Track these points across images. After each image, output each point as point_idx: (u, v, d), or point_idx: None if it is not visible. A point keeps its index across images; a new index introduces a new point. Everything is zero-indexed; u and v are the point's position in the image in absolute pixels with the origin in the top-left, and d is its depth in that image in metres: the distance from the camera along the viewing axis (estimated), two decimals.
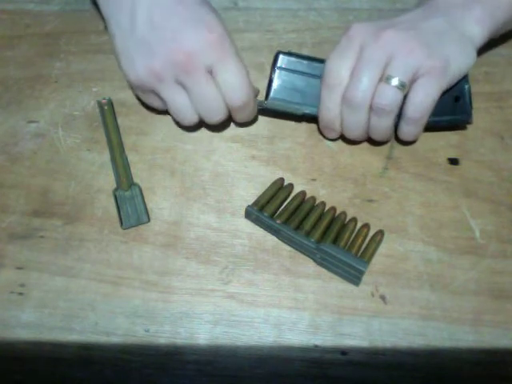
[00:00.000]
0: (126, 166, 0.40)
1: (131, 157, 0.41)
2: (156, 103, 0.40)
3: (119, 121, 0.44)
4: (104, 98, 0.44)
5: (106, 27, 0.41)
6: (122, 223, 0.37)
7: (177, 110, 0.38)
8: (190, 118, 0.39)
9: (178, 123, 0.42)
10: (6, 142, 0.43)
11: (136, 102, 0.45)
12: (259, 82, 0.46)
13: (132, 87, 0.41)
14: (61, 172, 0.41)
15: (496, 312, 0.34)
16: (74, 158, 0.42)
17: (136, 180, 0.40)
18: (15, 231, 0.37)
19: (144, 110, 0.44)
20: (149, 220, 0.38)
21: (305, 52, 0.48)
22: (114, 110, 0.44)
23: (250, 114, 0.40)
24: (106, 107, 0.43)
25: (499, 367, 0.32)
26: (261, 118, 0.44)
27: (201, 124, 0.41)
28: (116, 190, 0.39)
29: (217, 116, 0.38)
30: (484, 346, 0.33)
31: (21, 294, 0.35)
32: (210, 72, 0.36)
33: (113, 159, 0.41)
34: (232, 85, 0.36)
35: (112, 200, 0.39)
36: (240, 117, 0.40)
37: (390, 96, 0.35)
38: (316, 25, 0.50)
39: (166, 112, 0.44)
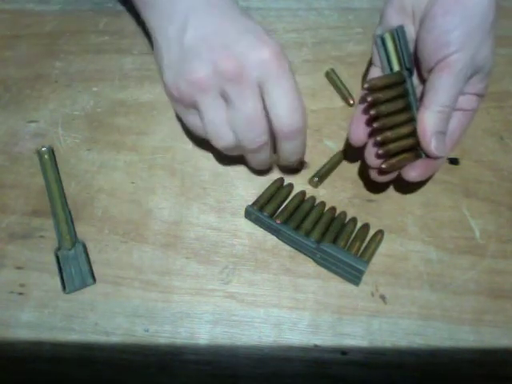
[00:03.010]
0: (69, 222, 0.37)
1: (131, 157, 0.41)
2: (195, 121, 0.36)
3: (119, 121, 0.44)
4: (44, 146, 0.41)
5: (149, 39, 0.39)
6: (64, 287, 0.35)
7: (214, 126, 0.34)
8: (226, 138, 0.34)
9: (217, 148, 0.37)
10: (6, 141, 0.43)
11: (136, 101, 0.45)
12: None
13: (173, 102, 0.37)
14: (61, 172, 0.40)
15: (496, 312, 0.34)
16: (73, 157, 0.42)
17: (136, 180, 0.40)
18: (15, 231, 0.37)
19: (144, 110, 0.44)
20: (94, 282, 0.35)
21: (304, 51, 0.48)
22: (55, 158, 0.41)
23: (297, 147, 0.35)
24: (46, 156, 0.40)
25: (499, 367, 0.32)
26: None
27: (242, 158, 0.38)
28: (58, 249, 0.36)
29: (256, 138, 0.33)
30: (484, 345, 0.33)
31: (21, 293, 0.35)
32: (260, 89, 0.32)
33: (54, 214, 0.38)
34: (284, 106, 0.32)
35: (112, 200, 0.39)
36: (285, 148, 0.35)
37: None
38: (316, 24, 0.50)
39: (166, 112, 0.44)
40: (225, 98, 0.33)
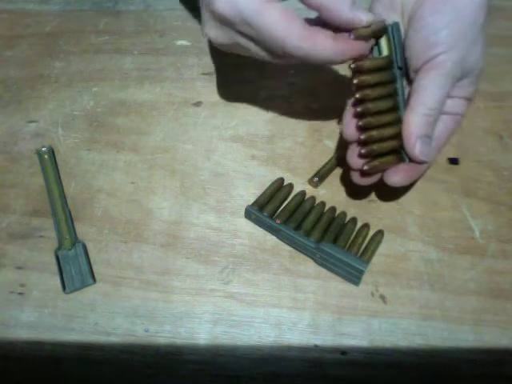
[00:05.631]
0: (69, 222, 0.37)
1: (131, 157, 0.41)
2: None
3: (119, 121, 0.44)
4: (44, 146, 0.41)
5: None
6: (64, 287, 0.35)
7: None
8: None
9: None
10: (6, 141, 0.43)
11: (136, 102, 0.45)
12: (259, 82, 0.46)
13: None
14: (61, 172, 0.41)
15: (496, 312, 0.34)
16: (73, 157, 0.42)
17: (136, 180, 0.40)
18: (15, 231, 0.37)
19: (144, 110, 0.44)
20: (94, 282, 0.35)
21: None
22: (55, 158, 0.41)
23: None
24: (46, 156, 0.40)
25: (499, 367, 0.32)
26: (261, 118, 0.44)
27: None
28: (58, 249, 0.36)
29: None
30: (484, 345, 0.33)
31: (21, 293, 0.35)
32: None
33: (54, 214, 0.38)
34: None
35: (112, 200, 0.39)
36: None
37: None
38: None
39: (166, 112, 0.44)
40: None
